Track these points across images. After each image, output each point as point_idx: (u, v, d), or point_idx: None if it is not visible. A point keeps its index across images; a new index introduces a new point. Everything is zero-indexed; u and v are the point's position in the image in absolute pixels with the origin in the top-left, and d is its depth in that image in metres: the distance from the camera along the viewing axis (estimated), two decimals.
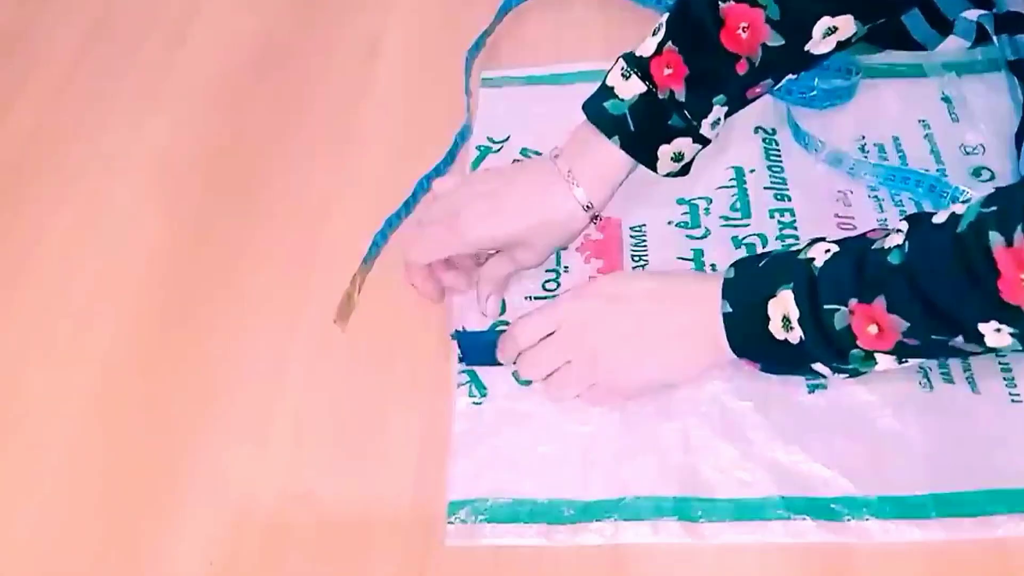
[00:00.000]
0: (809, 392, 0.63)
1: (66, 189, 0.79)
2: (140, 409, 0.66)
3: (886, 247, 0.52)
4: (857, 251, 0.54)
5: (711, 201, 0.74)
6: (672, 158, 0.64)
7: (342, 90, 0.85)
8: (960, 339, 0.52)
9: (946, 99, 0.79)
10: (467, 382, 0.65)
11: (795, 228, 0.71)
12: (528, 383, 0.64)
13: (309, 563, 0.58)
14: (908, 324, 0.52)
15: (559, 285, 0.70)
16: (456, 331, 0.67)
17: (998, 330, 0.50)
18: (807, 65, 0.63)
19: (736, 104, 0.64)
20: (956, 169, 0.74)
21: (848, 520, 0.57)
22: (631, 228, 0.73)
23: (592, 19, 0.88)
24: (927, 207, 0.72)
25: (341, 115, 0.83)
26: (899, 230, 0.53)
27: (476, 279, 0.69)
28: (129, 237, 0.76)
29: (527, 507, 0.59)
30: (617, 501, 0.59)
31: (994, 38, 0.78)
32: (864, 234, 0.56)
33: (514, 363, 0.64)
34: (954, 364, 0.63)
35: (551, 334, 0.63)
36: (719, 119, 0.63)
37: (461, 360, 0.66)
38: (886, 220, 0.72)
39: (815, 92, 0.79)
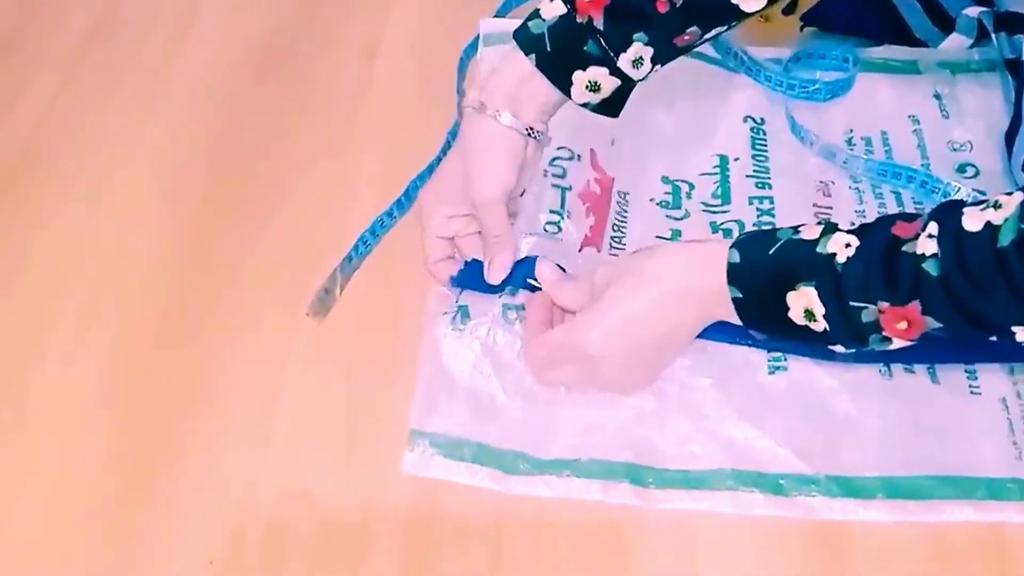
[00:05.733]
0: (770, 373, 0.64)
1: (66, 189, 0.79)
2: (140, 408, 0.66)
3: (919, 252, 0.52)
4: (884, 250, 0.53)
5: (693, 187, 0.75)
6: (587, 87, 0.63)
7: (342, 90, 0.85)
8: (992, 337, 0.53)
9: (938, 96, 0.80)
10: (455, 311, 0.66)
11: (773, 216, 0.72)
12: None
13: (309, 562, 0.59)
14: (941, 325, 0.53)
15: (560, 229, 0.71)
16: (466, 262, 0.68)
17: None
18: (737, 19, 0.63)
19: (663, 50, 0.63)
20: (941, 164, 0.75)
21: (795, 496, 0.58)
22: (618, 192, 0.74)
23: None
24: (908, 200, 0.73)
25: (340, 115, 0.83)
26: (930, 235, 0.52)
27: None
28: (129, 237, 0.75)
29: (485, 451, 0.61)
30: (571, 461, 0.61)
31: (992, 36, 0.78)
32: (887, 226, 0.55)
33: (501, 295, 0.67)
34: None
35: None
36: (640, 58, 0.63)
37: (455, 283, 0.67)
38: (864, 212, 0.73)
39: (818, 86, 0.79)
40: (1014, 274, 0.49)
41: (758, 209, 0.72)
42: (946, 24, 0.81)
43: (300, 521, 0.60)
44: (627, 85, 0.64)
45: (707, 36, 0.64)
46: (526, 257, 0.68)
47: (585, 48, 0.62)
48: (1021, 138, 0.73)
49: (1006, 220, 0.50)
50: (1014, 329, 0.52)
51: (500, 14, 0.88)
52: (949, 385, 0.63)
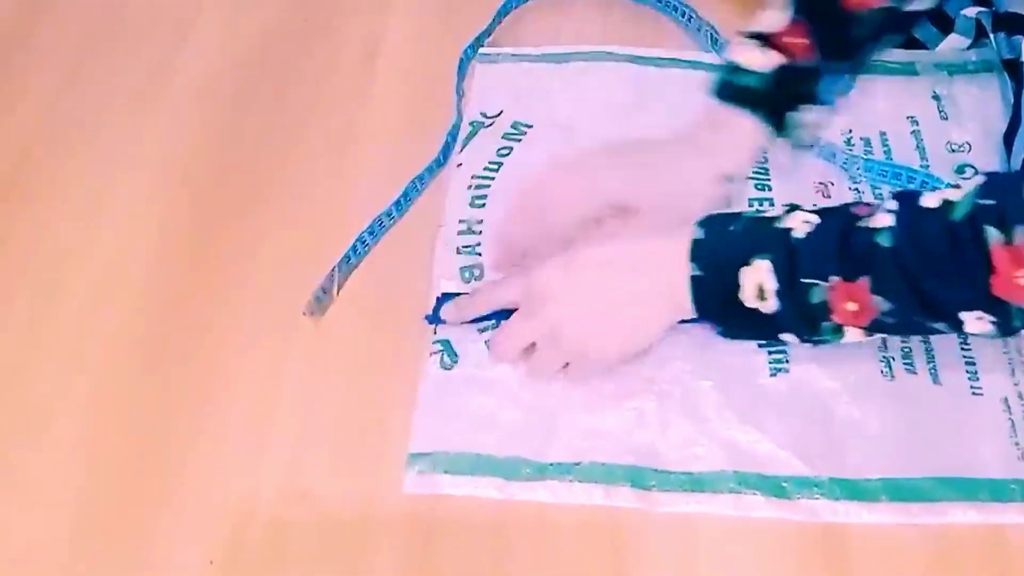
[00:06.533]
0: (771, 376, 0.64)
1: (66, 189, 0.79)
2: (140, 408, 0.66)
3: (873, 227, 0.53)
4: (840, 226, 0.54)
5: None
6: (806, 126, 0.65)
7: (342, 90, 0.85)
8: (940, 324, 0.53)
9: (936, 97, 0.80)
10: (439, 351, 0.66)
11: None
12: None
13: (309, 561, 0.59)
14: (891, 306, 0.53)
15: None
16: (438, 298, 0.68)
17: (980, 318, 0.51)
18: (909, 26, 0.68)
19: (858, 68, 0.67)
20: (940, 165, 0.75)
21: (797, 499, 0.58)
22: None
23: (591, 21, 0.88)
24: None
25: (341, 115, 0.83)
26: (888, 210, 0.53)
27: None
28: (129, 236, 0.76)
29: (485, 461, 0.61)
30: (574, 464, 0.61)
31: (991, 35, 0.78)
32: (847, 207, 0.56)
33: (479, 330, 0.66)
34: (918, 355, 0.64)
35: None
36: (847, 85, 0.66)
37: (430, 321, 0.67)
38: None
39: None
40: (964, 249, 0.49)
41: (757, 211, 0.72)
42: (945, 24, 0.81)
43: (300, 521, 0.60)
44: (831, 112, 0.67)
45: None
46: None
47: (803, 90, 0.65)
48: (1020, 139, 0.73)
49: (963, 196, 0.50)
50: (962, 316, 0.52)
51: (499, 16, 0.88)
52: (951, 386, 0.63)
